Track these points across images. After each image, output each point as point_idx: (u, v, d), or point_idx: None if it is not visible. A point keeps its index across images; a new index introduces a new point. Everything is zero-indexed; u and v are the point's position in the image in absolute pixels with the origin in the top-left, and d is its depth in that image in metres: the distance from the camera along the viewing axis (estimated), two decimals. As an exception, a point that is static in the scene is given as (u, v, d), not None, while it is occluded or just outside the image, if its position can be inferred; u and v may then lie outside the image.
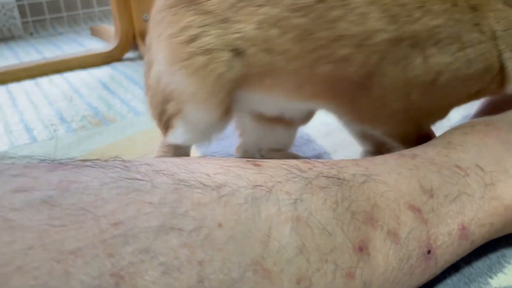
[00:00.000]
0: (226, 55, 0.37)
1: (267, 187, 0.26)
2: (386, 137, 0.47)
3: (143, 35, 0.99)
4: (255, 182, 0.26)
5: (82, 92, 0.81)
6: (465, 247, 0.33)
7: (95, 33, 1.31)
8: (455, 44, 0.37)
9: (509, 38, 0.38)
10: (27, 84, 0.86)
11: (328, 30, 0.37)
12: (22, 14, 1.32)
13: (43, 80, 0.88)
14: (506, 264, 0.35)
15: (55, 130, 0.65)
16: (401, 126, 0.44)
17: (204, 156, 0.31)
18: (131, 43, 1.01)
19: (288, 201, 0.26)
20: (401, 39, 0.37)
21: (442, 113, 0.44)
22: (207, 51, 0.37)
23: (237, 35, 0.37)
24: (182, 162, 0.27)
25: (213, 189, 0.25)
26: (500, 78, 0.40)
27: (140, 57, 1.01)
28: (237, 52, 0.38)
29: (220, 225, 0.23)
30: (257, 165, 0.29)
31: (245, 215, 0.24)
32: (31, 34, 1.33)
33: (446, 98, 0.41)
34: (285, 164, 0.30)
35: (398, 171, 0.33)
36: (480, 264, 0.35)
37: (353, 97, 0.41)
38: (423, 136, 0.43)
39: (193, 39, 0.37)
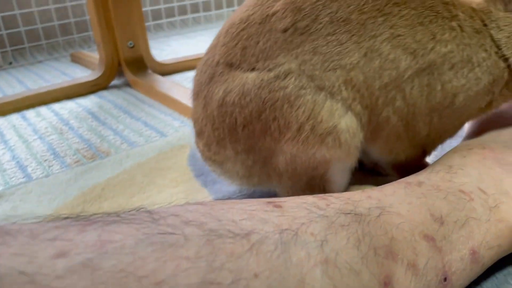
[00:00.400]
0: (346, 121, 0.40)
1: (293, 230, 0.27)
2: (392, 167, 0.49)
3: (128, 62, 0.99)
4: (281, 226, 0.27)
5: (72, 124, 0.80)
6: (477, 271, 0.34)
7: (75, 59, 1.30)
8: (467, 67, 0.41)
9: None
10: (14, 118, 0.85)
11: (379, 80, 0.40)
12: (1, 44, 1.30)
13: (30, 113, 0.87)
14: (514, 283, 0.37)
15: (49, 166, 0.64)
16: (413, 151, 0.46)
17: (223, 200, 0.32)
18: (116, 70, 1.00)
19: (314, 243, 0.27)
20: (422, 69, 0.40)
21: (454, 132, 0.46)
22: (332, 127, 0.39)
23: (340, 99, 0.40)
24: (206, 209, 0.28)
25: (243, 237, 0.25)
26: (510, 83, 0.43)
27: (126, 84, 1.01)
28: (352, 110, 0.41)
29: (256, 275, 0.23)
30: (278, 206, 0.29)
31: (277, 262, 0.24)
32: (10, 63, 1.31)
33: (460, 117, 0.44)
34: (304, 203, 0.30)
35: (408, 201, 0.35)
36: (489, 285, 0.37)
37: (396, 133, 0.44)
38: (420, 165, 0.45)
39: (314, 127, 0.39)
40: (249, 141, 0.42)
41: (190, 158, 0.63)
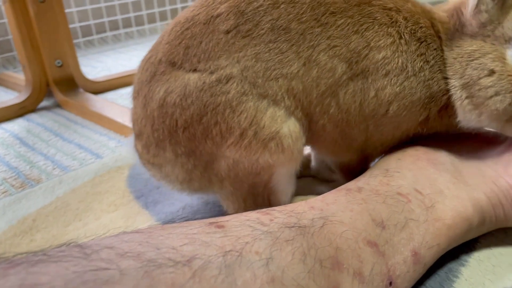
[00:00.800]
0: (288, 126, 0.40)
1: (237, 251, 0.26)
2: (337, 166, 0.49)
3: (57, 82, 0.94)
4: (224, 248, 0.26)
5: (-3, 151, 0.74)
6: (419, 271, 0.35)
7: (0, 82, 1.22)
8: (402, 74, 0.41)
9: (459, 65, 0.40)
10: None
11: (316, 88, 0.41)
12: None
13: None
14: (454, 279, 0.38)
15: (-28, 200, 0.58)
16: (353, 156, 0.47)
17: (162, 225, 0.30)
18: (45, 91, 0.95)
19: (260, 262, 0.26)
20: (355, 75, 0.40)
21: (395, 141, 0.46)
22: (274, 133, 0.39)
23: (283, 106, 0.40)
24: (144, 238, 0.26)
25: (184, 265, 0.24)
26: (450, 109, 0.42)
27: (56, 105, 0.96)
28: (295, 116, 0.41)
29: (200, 304, 0.22)
30: (221, 226, 0.28)
31: (222, 287, 0.23)
32: None
33: (398, 127, 0.44)
34: (247, 220, 0.30)
35: (350, 208, 0.35)
36: (432, 283, 0.38)
37: (333, 139, 0.44)
38: (365, 168, 0.46)
39: (256, 132, 0.39)
40: (189, 144, 0.41)
41: (129, 180, 0.60)
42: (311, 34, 0.40)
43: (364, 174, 0.42)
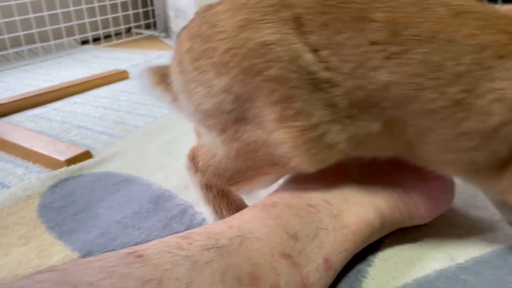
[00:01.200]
0: (344, 144, 0.39)
1: (157, 279, 0.27)
2: None
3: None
4: (143, 278, 0.26)
5: None
6: (331, 276, 0.38)
7: None
8: None
9: None
10: None
11: (452, 128, 0.37)
12: None
13: None
14: (363, 279, 0.41)
15: None
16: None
17: (79, 260, 0.30)
18: None
19: (180, 288, 0.27)
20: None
21: None
22: (331, 146, 0.38)
23: (362, 131, 0.39)
24: (59, 276, 0.26)
25: (103, 300, 0.24)
26: None
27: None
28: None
29: (121, 338, 0.22)
30: (139, 256, 0.29)
31: (143, 318, 0.24)
32: None
33: None
34: (167, 247, 0.30)
35: (266, 224, 0.37)
36: (343, 285, 0.41)
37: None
38: None
39: (321, 136, 0.37)
40: (247, 92, 0.36)
41: (40, 209, 0.57)
42: (469, 77, 0.35)
43: (278, 189, 0.45)
